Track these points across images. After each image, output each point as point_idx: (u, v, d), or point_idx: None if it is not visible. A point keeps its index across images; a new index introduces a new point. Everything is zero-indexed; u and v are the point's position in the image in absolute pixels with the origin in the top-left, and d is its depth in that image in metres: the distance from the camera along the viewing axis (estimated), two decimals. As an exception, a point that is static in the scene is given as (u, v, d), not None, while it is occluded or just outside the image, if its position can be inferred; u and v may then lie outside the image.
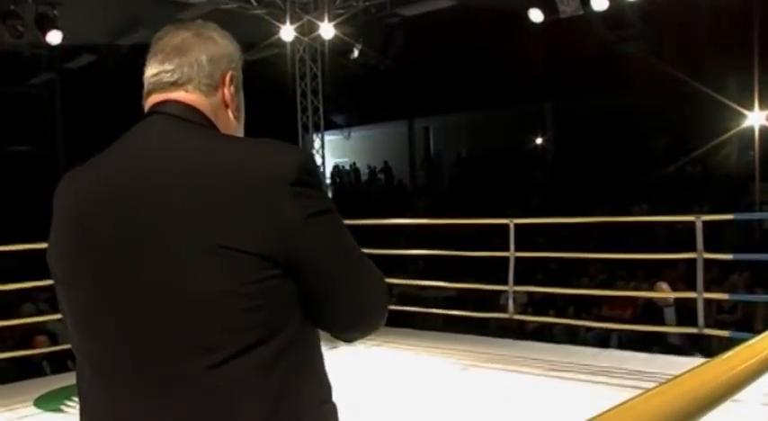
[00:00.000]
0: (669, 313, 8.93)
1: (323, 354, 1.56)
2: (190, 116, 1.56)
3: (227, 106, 1.64)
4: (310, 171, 1.47)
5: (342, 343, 1.71)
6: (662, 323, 8.84)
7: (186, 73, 1.59)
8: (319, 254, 1.45)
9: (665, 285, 9.17)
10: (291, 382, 1.43)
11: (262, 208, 1.40)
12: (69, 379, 7.42)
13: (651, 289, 11.49)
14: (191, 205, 1.41)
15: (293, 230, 1.41)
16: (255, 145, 1.50)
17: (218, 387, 1.38)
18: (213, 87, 1.61)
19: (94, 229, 1.49)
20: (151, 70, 1.62)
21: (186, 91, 1.59)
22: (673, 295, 8.95)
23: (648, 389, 1.17)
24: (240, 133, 1.68)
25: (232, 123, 1.65)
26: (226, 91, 1.63)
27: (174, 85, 1.59)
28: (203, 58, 1.61)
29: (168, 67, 1.60)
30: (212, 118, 1.59)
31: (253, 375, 1.39)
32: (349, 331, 1.61)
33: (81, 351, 1.53)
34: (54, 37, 10.17)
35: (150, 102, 1.61)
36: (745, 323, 10.19)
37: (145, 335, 1.41)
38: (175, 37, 1.63)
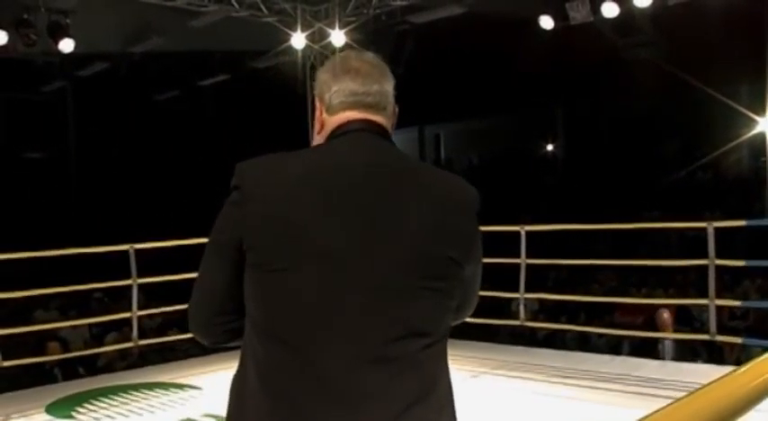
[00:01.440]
0: (668, 347, 8.79)
1: None
2: (388, 137, 1.82)
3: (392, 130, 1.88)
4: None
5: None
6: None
7: (384, 100, 1.83)
8: (477, 267, 1.87)
9: (666, 313, 9.04)
10: (447, 362, 1.81)
11: (467, 230, 1.77)
12: (80, 385, 7.47)
13: (664, 295, 11.47)
14: (418, 217, 1.69)
15: (476, 250, 1.82)
16: (453, 176, 1.85)
17: (425, 362, 1.69)
18: (391, 116, 1.87)
19: (328, 216, 1.66)
20: (352, 86, 1.81)
21: (382, 116, 1.83)
22: (672, 336, 8.80)
23: (674, 401, 1.17)
24: None
25: None
26: (394, 120, 1.90)
27: (375, 108, 1.81)
28: (390, 90, 1.86)
29: (371, 89, 1.81)
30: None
31: (442, 354, 1.76)
32: (458, 319, 1.94)
33: (281, 331, 1.66)
34: (66, 45, 10.22)
35: (348, 116, 1.81)
36: (757, 329, 10.15)
37: (375, 320, 1.64)
38: (368, 65, 1.85)
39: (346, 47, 12.21)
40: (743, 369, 1.37)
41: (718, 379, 1.28)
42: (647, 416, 1.11)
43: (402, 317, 1.65)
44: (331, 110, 1.83)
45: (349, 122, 1.79)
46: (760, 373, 1.34)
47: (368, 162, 1.73)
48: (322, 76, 1.87)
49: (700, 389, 1.22)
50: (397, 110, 1.89)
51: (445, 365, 1.79)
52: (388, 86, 1.85)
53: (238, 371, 1.74)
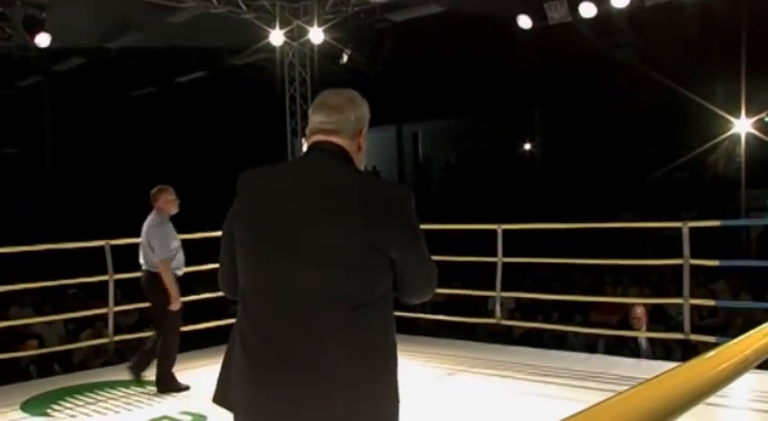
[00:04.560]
0: (643, 343, 8.76)
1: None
2: (340, 153, 2.50)
3: (359, 148, 2.56)
4: (413, 199, 2.41)
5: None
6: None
7: (341, 125, 2.51)
8: (409, 252, 2.41)
9: (640, 308, 8.98)
10: (387, 324, 2.41)
11: (394, 219, 2.35)
12: (56, 383, 7.41)
13: (639, 294, 11.55)
14: (354, 207, 2.33)
15: (402, 236, 2.38)
16: (382, 180, 2.69)
17: (353, 321, 2.30)
18: (354, 136, 2.54)
19: (276, 207, 2.40)
20: (318, 118, 2.54)
21: (339, 137, 2.51)
22: (646, 334, 8.77)
23: (626, 390, 1.18)
24: (363, 160, 2.61)
25: (359, 156, 2.56)
26: (360, 139, 2.56)
27: (332, 131, 2.51)
28: (352, 117, 2.53)
29: (330, 119, 2.52)
30: (351, 154, 2.52)
31: (372, 315, 2.33)
32: (413, 298, 2.58)
33: (251, 288, 2.43)
34: (42, 39, 10.13)
35: (315, 138, 2.54)
36: (727, 327, 10.25)
37: (308, 283, 2.31)
38: (335, 98, 2.56)
39: (325, 44, 12.21)
40: (693, 362, 1.39)
41: (670, 369, 1.30)
42: (599, 403, 1.12)
43: (324, 283, 2.30)
44: (309, 133, 2.57)
45: (314, 143, 2.54)
46: (713, 365, 1.36)
47: (312, 173, 2.46)
48: (310, 111, 2.61)
49: (651, 379, 1.24)
50: (365, 129, 2.57)
51: (375, 324, 2.36)
52: (351, 115, 2.53)
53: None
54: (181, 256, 6.92)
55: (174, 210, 6.95)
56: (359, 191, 2.40)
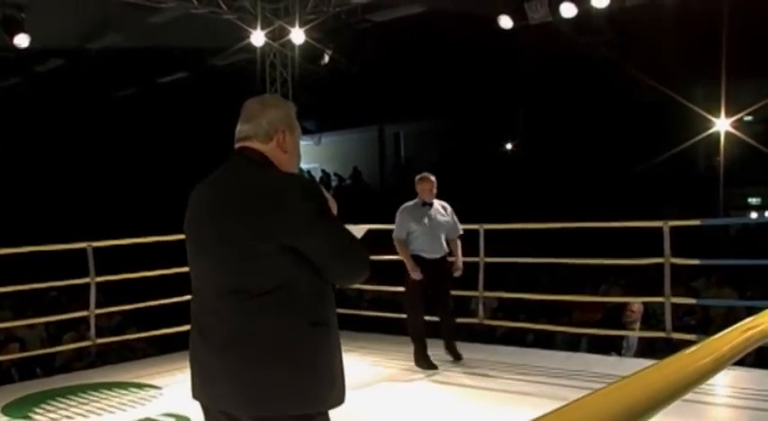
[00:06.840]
0: (632, 341, 8.76)
1: (327, 300, 2.66)
2: (255, 157, 2.75)
3: (283, 150, 2.78)
4: (307, 189, 2.61)
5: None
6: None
7: (253, 131, 2.78)
8: (310, 238, 2.56)
9: (637, 304, 8.95)
10: (290, 310, 2.55)
11: (281, 211, 2.54)
12: (37, 386, 7.37)
13: (621, 293, 11.60)
14: (247, 207, 2.59)
15: (293, 224, 2.54)
16: (280, 175, 2.71)
17: (249, 308, 2.56)
18: (269, 138, 2.77)
19: (200, 213, 2.76)
20: (237, 127, 2.82)
21: (252, 141, 2.77)
22: (627, 333, 8.78)
23: (604, 386, 1.20)
24: (294, 160, 2.83)
25: (284, 157, 2.79)
26: (281, 140, 2.78)
27: (247, 138, 2.79)
28: (263, 122, 2.77)
29: (244, 127, 2.80)
30: (269, 156, 2.75)
31: (268, 304, 2.54)
32: (339, 281, 2.78)
33: (193, 275, 2.79)
34: (22, 40, 10.06)
35: (237, 145, 2.81)
36: (707, 324, 10.31)
37: (220, 272, 2.63)
38: (251, 107, 2.84)
39: (306, 45, 12.19)
40: (667, 360, 1.41)
41: (645, 368, 1.32)
42: (574, 401, 1.13)
43: (229, 272, 2.59)
44: (235, 142, 2.83)
45: (234, 149, 2.81)
46: (687, 363, 1.38)
47: (227, 177, 2.75)
48: None
49: (625, 377, 1.25)
50: (284, 131, 2.78)
51: (271, 312, 2.55)
52: (263, 120, 2.77)
53: None
54: (423, 240, 7.48)
55: (425, 197, 7.76)
56: (254, 189, 2.62)
